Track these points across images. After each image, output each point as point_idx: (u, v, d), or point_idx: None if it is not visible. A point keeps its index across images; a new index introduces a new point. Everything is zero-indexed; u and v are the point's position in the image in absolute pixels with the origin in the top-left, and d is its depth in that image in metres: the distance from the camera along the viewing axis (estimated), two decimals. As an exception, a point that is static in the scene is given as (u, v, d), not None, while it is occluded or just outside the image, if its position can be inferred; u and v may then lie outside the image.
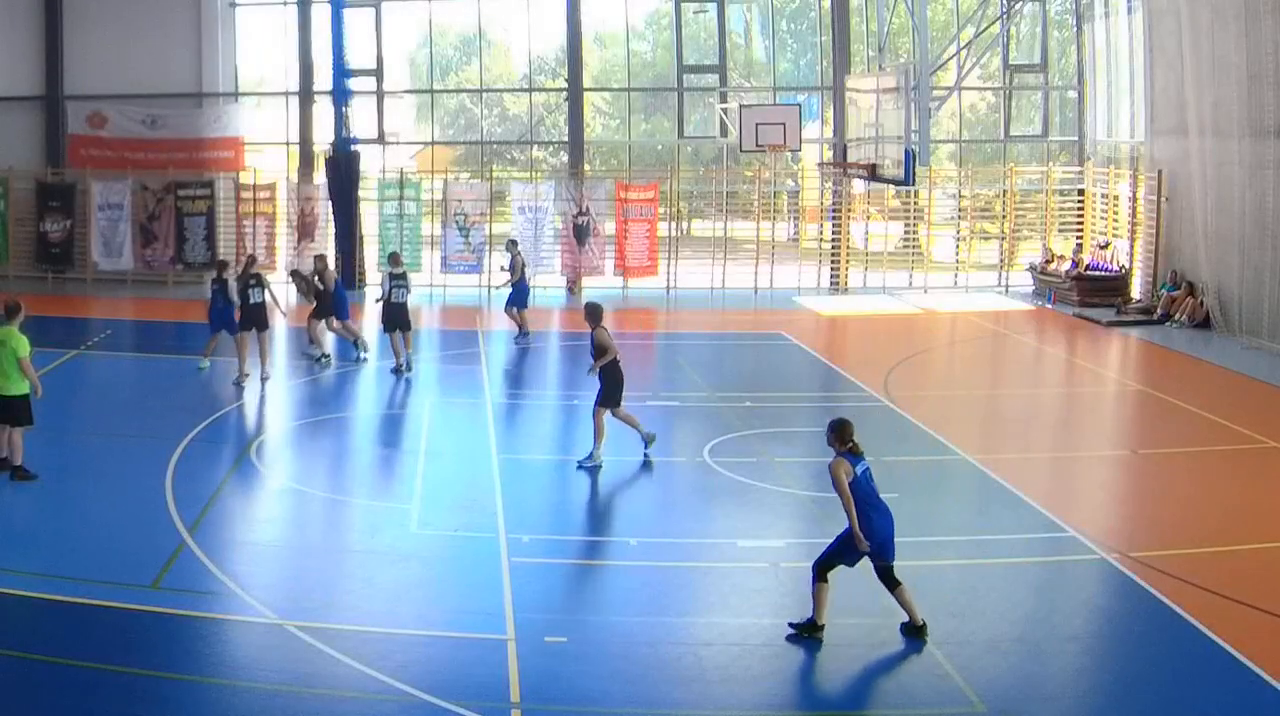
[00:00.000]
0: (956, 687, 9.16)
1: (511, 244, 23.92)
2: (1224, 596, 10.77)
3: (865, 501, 9.95)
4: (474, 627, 10.17)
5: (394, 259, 21.49)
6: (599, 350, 14.77)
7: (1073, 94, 31.26)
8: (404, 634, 10.09)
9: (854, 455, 10.05)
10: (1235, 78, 23.02)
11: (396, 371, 19.93)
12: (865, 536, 9.85)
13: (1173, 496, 14.21)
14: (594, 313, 14.99)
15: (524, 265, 23.47)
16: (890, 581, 10.05)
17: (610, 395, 14.92)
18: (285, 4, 30.61)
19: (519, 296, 23.03)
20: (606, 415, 14.96)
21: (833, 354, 23.22)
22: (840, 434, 10.12)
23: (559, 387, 19.93)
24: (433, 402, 18.52)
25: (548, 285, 29.55)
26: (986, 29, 25.82)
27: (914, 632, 9.99)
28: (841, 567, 10.17)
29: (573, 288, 29.77)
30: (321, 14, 29.59)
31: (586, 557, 12.16)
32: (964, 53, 25.08)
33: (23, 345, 13.60)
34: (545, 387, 20.40)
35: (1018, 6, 28.84)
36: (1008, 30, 29.33)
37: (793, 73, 34.46)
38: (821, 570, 10.10)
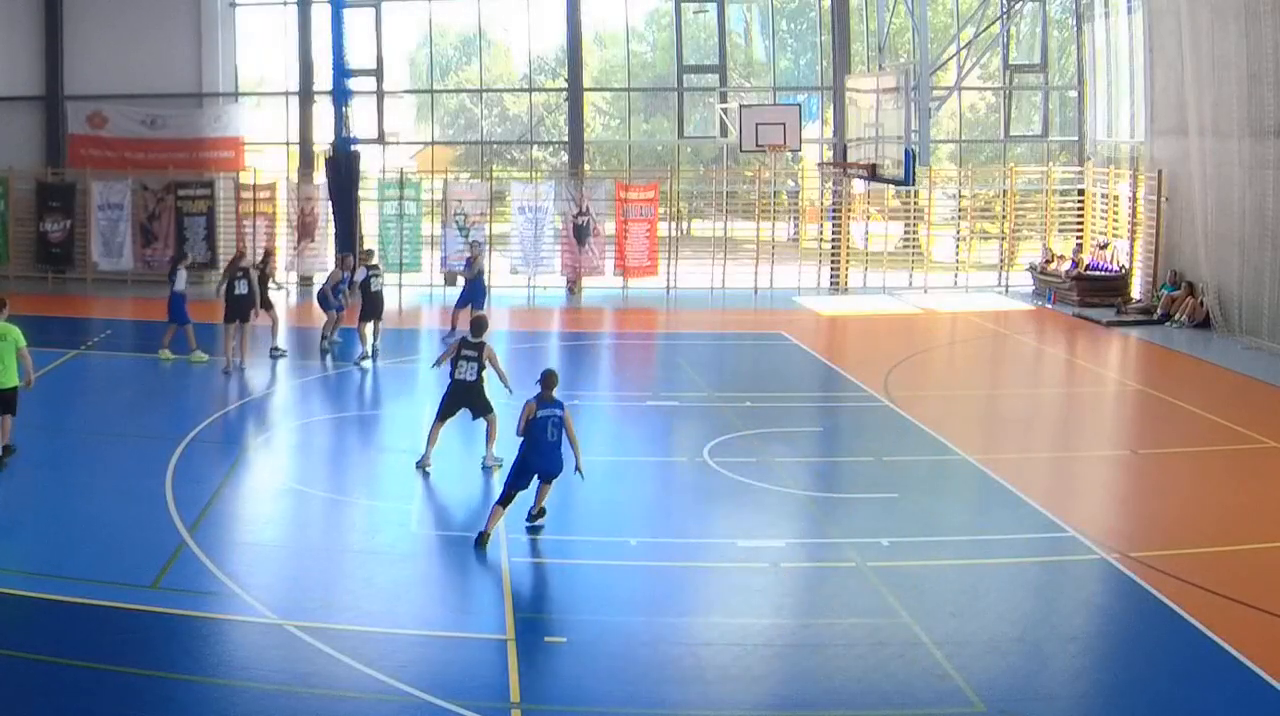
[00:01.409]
0: (956, 687, 9.16)
1: (474, 244, 23.97)
2: (1224, 596, 10.77)
3: (533, 438, 11.99)
4: (474, 627, 10.18)
5: (369, 253, 22.90)
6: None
7: (1073, 94, 31.25)
8: (404, 634, 10.09)
9: (545, 402, 12.10)
10: (1235, 78, 23.02)
11: (363, 359, 20.69)
12: (523, 465, 12.04)
13: (1173, 496, 14.21)
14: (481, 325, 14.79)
15: (483, 270, 23.38)
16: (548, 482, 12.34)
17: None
18: (285, 4, 30.60)
19: (476, 296, 22.65)
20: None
21: (833, 354, 23.22)
22: (544, 382, 12.26)
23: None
24: (432, 402, 18.50)
25: (548, 285, 29.56)
26: (986, 29, 25.82)
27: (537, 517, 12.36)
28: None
29: (573, 288, 29.77)
30: (321, 14, 29.56)
31: (586, 557, 12.16)
32: (964, 53, 25.08)
33: (20, 336, 14.08)
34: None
35: (1018, 6, 28.83)
36: (1008, 30, 29.32)
37: (793, 73, 34.46)
38: (504, 499, 12.10)
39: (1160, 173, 26.53)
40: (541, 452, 12.05)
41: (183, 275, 20.86)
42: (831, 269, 30.47)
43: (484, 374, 14.44)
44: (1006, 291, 29.93)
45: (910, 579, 11.29)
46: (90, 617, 10.06)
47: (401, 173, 30.48)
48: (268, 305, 21.34)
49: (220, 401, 18.07)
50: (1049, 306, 27.99)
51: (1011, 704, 8.92)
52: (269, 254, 23.67)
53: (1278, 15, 21.81)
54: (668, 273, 29.72)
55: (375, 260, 22.09)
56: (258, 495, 14.09)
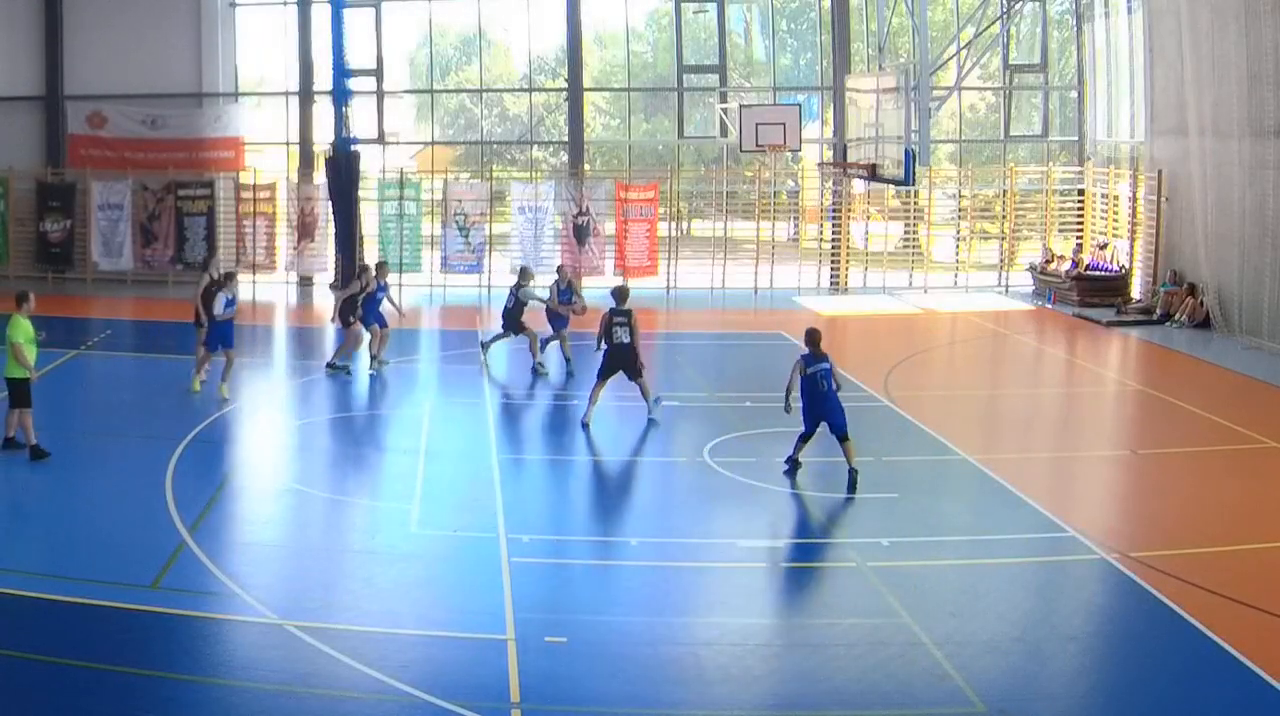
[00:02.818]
0: (956, 687, 9.16)
1: (559, 269, 22.13)
2: (1224, 596, 10.77)
3: (809, 393, 13.98)
4: (474, 627, 10.17)
5: (526, 271, 21.69)
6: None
7: (1073, 94, 31.25)
8: (404, 634, 10.09)
9: (812, 358, 13.98)
10: (1235, 78, 23.02)
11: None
12: (809, 416, 14.07)
13: (1173, 496, 14.20)
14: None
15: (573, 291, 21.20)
16: (843, 436, 14.05)
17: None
18: (285, 4, 30.61)
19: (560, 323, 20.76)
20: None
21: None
22: (810, 341, 14.17)
23: (559, 388, 19.93)
24: (433, 403, 18.52)
25: (548, 285, 29.49)
26: (986, 29, 25.80)
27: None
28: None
29: (573, 288, 29.76)
30: (321, 14, 29.55)
31: (586, 557, 12.17)
32: (964, 53, 25.06)
33: (17, 331, 14.18)
34: (545, 387, 20.39)
35: (1018, 6, 28.82)
36: (1008, 30, 29.31)
37: (793, 73, 34.46)
38: (804, 437, 14.23)
39: (1160, 173, 26.53)
40: (820, 403, 13.93)
41: (221, 299, 18.12)
42: (831, 269, 30.47)
43: (636, 337, 16.33)
44: (1006, 291, 29.92)
45: (910, 579, 11.29)
46: (90, 617, 10.06)
47: (401, 173, 30.50)
48: (350, 321, 19.72)
49: (220, 402, 18.05)
50: (1049, 306, 27.99)
51: (1011, 704, 8.91)
52: (365, 269, 20.85)
53: (1278, 15, 21.80)
54: (668, 272, 29.73)
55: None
56: (258, 495, 14.09)
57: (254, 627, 10.13)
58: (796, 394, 14.20)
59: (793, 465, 14.38)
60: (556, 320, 20.72)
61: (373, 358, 20.13)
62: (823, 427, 14.18)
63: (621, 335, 16.33)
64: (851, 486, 13.84)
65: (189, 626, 10.07)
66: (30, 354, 14.36)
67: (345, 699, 8.95)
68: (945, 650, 9.73)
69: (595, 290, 29.52)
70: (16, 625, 9.97)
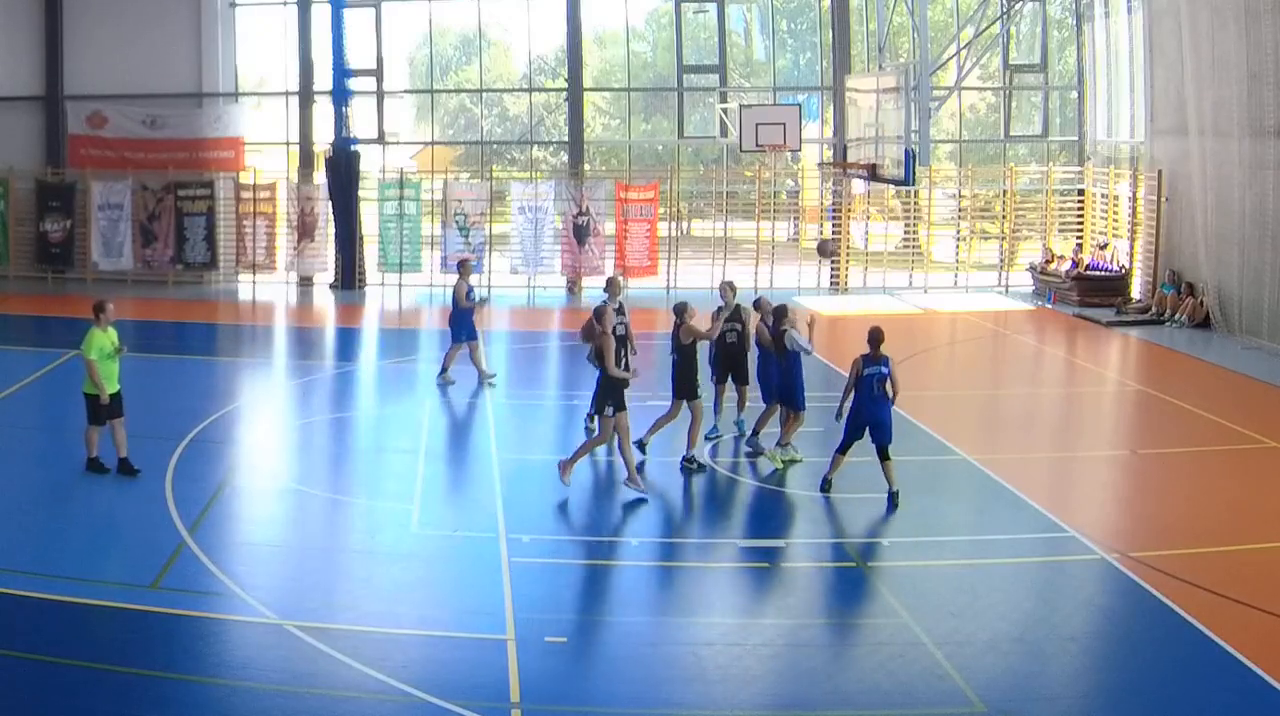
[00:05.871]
0: (956, 687, 9.16)
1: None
2: (1224, 596, 10.77)
3: (863, 394, 13.19)
4: (474, 627, 10.17)
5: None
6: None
7: (1073, 94, 31.25)
8: (404, 634, 10.09)
9: (871, 360, 13.25)
10: (1235, 78, 23.02)
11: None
12: (856, 418, 13.25)
13: (1173, 496, 14.20)
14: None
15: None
16: (883, 454, 13.28)
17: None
18: (285, 4, 30.60)
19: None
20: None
21: (833, 354, 23.18)
22: (872, 341, 13.41)
23: (559, 388, 19.94)
24: (433, 403, 18.51)
25: (548, 285, 29.58)
26: (986, 29, 25.81)
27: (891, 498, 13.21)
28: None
29: (573, 288, 29.78)
30: (321, 14, 29.59)
31: (586, 557, 12.17)
32: (964, 53, 25.06)
33: (89, 346, 13.74)
34: (545, 388, 20.40)
35: (1018, 6, 28.82)
36: (1008, 30, 29.31)
37: (793, 73, 34.46)
38: (844, 448, 13.44)
39: (1160, 173, 26.53)
40: (867, 406, 13.21)
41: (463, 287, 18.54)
42: (831, 269, 30.47)
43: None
44: (1006, 291, 29.92)
45: (910, 579, 11.29)
46: (90, 617, 10.06)
47: (401, 173, 30.49)
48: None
49: (220, 401, 18.07)
50: (1049, 306, 27.98)
51: (1011, 704, 8.91)
52: (602, 311, 14.73)
53: (1278, 15, 21.81)
54: (668, 273, 29.72)
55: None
56: (258, 495, 14.08)
57: (254, 627, 10.13)
58: (851, 400, 13.37)
59: (826, 484, 13.58)
60: (789, 371, 15.16)
61: (443, 369, 19.19)
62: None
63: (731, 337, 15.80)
64: (892, 508, 13.16)
65: (189, 626, 10.07)
66: (106, 368, 13.80)
67: (345, 699, 8.95)
68: (945, 650, 9.73)
69: (594, 290, 29.63)
70: (17, 625, 9.97)
